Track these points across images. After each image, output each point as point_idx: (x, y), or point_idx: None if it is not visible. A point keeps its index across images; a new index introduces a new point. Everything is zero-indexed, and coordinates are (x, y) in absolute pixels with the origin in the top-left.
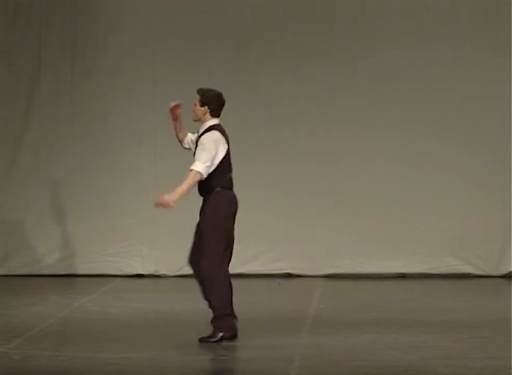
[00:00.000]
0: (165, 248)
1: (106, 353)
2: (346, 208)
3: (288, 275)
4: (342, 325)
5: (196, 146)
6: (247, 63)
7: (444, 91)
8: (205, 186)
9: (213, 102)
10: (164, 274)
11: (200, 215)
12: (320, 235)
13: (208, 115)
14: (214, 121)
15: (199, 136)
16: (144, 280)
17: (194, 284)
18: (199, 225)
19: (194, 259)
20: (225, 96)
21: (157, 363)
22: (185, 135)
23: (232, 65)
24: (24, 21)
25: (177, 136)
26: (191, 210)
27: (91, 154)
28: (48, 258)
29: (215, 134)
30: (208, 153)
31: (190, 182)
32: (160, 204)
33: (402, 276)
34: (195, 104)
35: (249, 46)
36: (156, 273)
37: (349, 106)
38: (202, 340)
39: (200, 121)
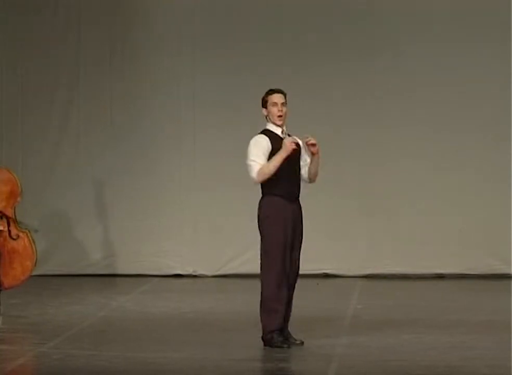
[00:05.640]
0: (204, 248)
1: (145, 353)
2: (385, 208)
3: (326, 276)
4: (381, 325)
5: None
6: (286, 60)
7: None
8: (299, 189)
9: None
10: (202, 274)
11: (295, 220)
12: (358, 236)
13: None
14: None
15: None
16: (183, 280)
17: (232, 284)
18: (295, 229)
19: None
20: (262, 93)
21: (196, 362)
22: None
23: (271, 62)
24: (63, 23)
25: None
26: (229, 212)
27: (131, 154)
28: (88, 258)
29: None
30: None
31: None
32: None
33: (441, 277)
34: (284, 105)
35: (290, 41)
36: (194, 273)
37: (389, 107)
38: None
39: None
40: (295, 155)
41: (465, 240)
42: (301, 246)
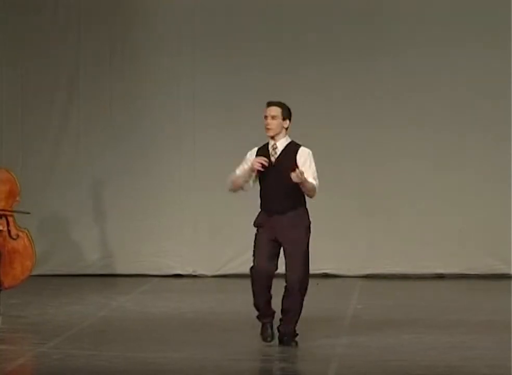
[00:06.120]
0: (204, 248)
1: (145, 353)
2: (385, 208)
3: (326, 276)
4: (381, 325)
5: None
6: (286, 60)
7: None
8: (292, 201)
9: (291, 116)
10: (202, 274)
11: (278, 230)
12: (358, 236)
13: (285, 130)
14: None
15: (291, 153)
16: (182, 280)
17: (232, 284)
18: (279, 236)
19: (272, 266)
20: (262, 93)
21: (196, 362)
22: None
23: (271, 62)
24: (63, 23)
25: (242, 186)
26: (229, 212)
27: (131, 154)
28: (88, 258)
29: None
30: (315, 170)
31: (315, 193)
32: (296, 175)
33: (441, 277)
34: (273, 117)
35: (288, 41)
36: (194, 273)
37: (389, 107)
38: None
39: (276, 135)
40: (273, 171)
41: (465, 240)
42: (296, 252)
